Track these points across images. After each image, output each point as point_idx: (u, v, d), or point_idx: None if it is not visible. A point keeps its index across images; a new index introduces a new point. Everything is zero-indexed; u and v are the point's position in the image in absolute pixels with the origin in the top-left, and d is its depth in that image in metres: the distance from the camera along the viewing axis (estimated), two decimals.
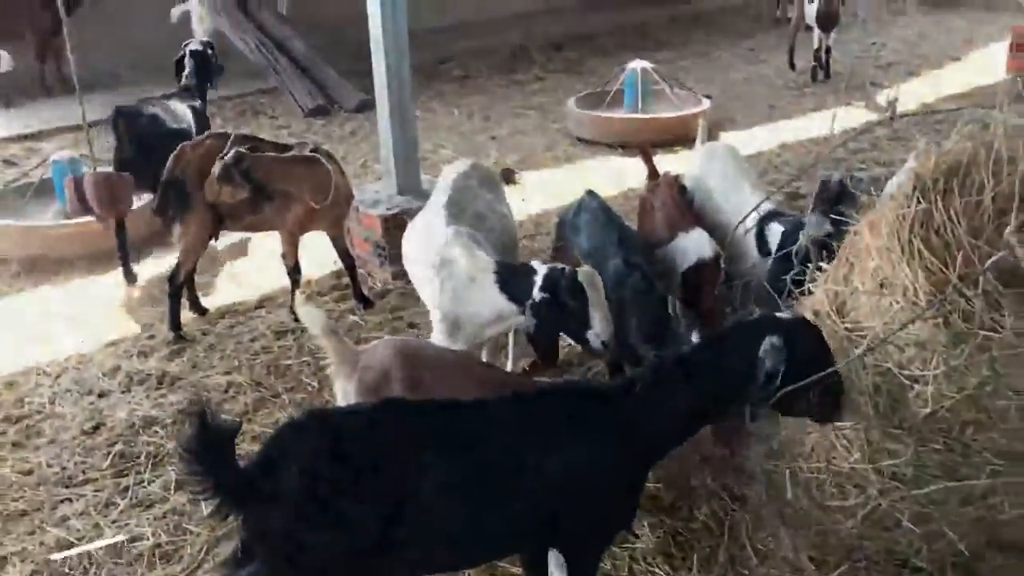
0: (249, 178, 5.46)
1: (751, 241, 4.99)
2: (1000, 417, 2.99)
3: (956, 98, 11.40)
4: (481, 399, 2.92)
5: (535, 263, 4.12)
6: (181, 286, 5.88)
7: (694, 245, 4.98)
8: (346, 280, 6.36)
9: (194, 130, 6.83)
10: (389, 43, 6.38)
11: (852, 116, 10.45)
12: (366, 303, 6.21)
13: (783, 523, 3.64)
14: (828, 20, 11.95)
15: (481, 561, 3.17)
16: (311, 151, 5.91)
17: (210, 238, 5.84)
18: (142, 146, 6.53)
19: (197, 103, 7.21)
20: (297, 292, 5.97)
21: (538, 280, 3.93)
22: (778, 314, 2.99)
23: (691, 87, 11.04)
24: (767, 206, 5.13)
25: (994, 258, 2.96)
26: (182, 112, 6.99)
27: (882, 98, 11.18)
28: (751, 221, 5.00)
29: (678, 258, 5.04)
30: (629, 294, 4.33)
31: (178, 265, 5.82)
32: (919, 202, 3.21)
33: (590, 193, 5.20)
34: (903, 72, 12.93)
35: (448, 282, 4.29)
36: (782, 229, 4.88)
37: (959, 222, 3.13)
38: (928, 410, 3.06)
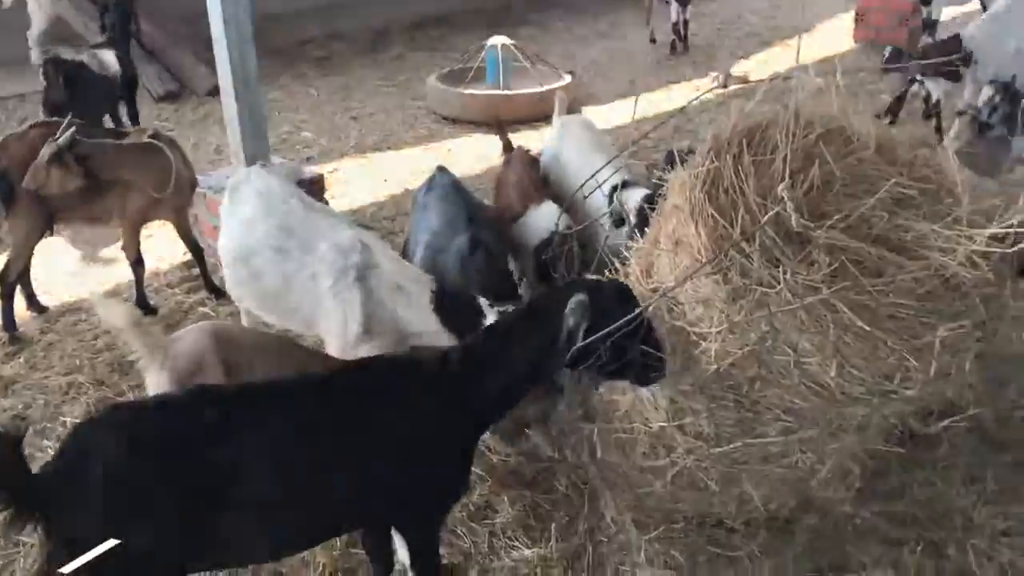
0: (82, 164, 5.13)
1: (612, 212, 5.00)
2: (781, 373, 3.02)
3: (805, 68, 11.75)
4: (296, 378, 2.82)
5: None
6: (13, 284, 5.51)
7: (545, 219, 4.97)
8: (196, 271, 6.09)
9: (120, 76, 8.06)
10: (231, 24, 6.09)
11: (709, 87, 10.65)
12: (218, 293, 5.95)
13: (606, 485, 3.66)
14: None
15: (314, 543, 3.07)
16: (150, 137, 5.60)
17: (42, 233, 5.47)
18: (71, 91, 7.29)
19: (122, 51, 8.20)
20: (95, 291, 5.61)
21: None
22: (588, 279, 2.97)
23: (552, 63, 11.05)
24: (621, 176, 5.14)
25: (770, 213, 3.00)
26: (109, 60, 7.99)
27: (736, 69, 11.50)
28: (605, 191, 5.01)
29: (530, 232, 5.03)
30: (473, 271, 4.26)
31: (8, 262, 5.44)
32: (712, 162, 3.24)
33: (441, 169, 5.12)
34: (757, 43, 13.29)
35: (368, 291, 4.08)
36: (638, 198, 4.91)
37: (747, 181, 3.17)
38: (714, 367, 3.09)
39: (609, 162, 4.89)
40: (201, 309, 5.87)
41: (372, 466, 2.76)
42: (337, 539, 3.81)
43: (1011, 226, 3.15)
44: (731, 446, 3.19)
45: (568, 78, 10.44)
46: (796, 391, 3.02)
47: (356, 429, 2.75)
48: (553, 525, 3.95)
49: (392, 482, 2.81)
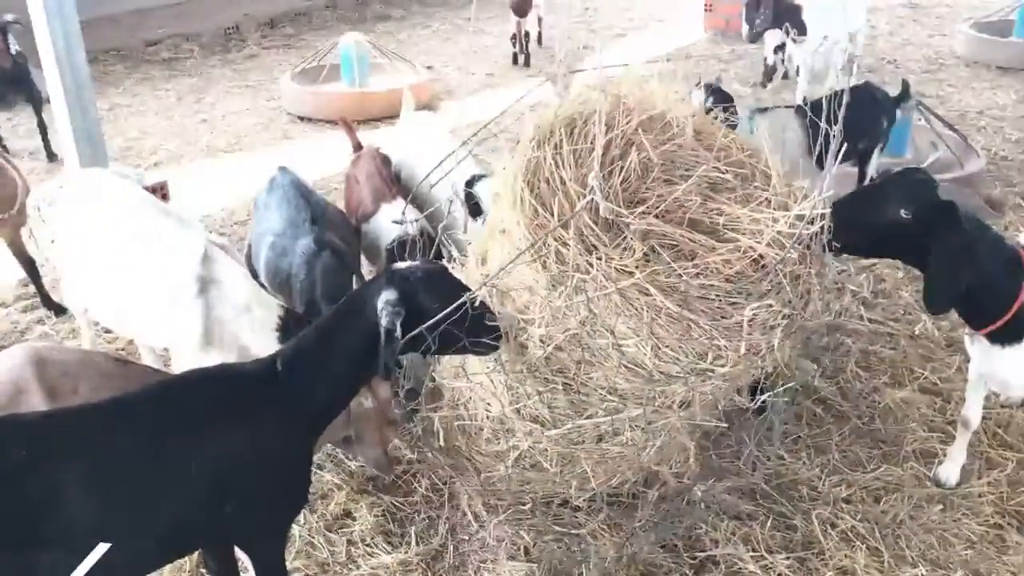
0: None
1: (459, 205, 4.95)
2: (602, 355, 3.08)
3: (663, 57, 12.04)
4: (118, 398, 2.67)
5: None
6: None
7: (399, 216, 4.88)
8: (32, 288, 5.75)
9: None
10: (56, 25, 5.77)
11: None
12: (58, 310, 5.64)
13: (454, 471, 3.67)
14: (520, 6, 11.38)
15: (152, 568, 2.93)
16: None
17: None
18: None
19: None
20: None
21: None
22: (397, 266, 2.92)
23: (410, 59, 10.95)
24: (474, 170, 5.11)
25: (583, 201, 3.05)
26: None
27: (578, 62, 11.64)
28: (457, 186, 4.96)
29: (382, 230, 4.94)
30: (319, 274, 4.16)
31: None
32: (534, 151, 3.28)
33: (282, 169, 4.96)
34: (612, 35, 13.53)
35: (209, 306, 3.89)
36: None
37: (566, 170, 3.21)
38: (541, 352, 3.12)
39: (452, 153, 4.83)
40: (40, 328, 5.55)
41: (203, 482, 2.63)
42: (187, 561, 3.67)
43: (814, 206, 3.31)
44: (565, 428, 3.22)
45: (425, 74, 10.37)
46: (617, 372, 3.08)
47: (182, 445, 2.61)
48: (413, 528, 3.90)
49: (225, 497, 2.69)
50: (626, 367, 3.04)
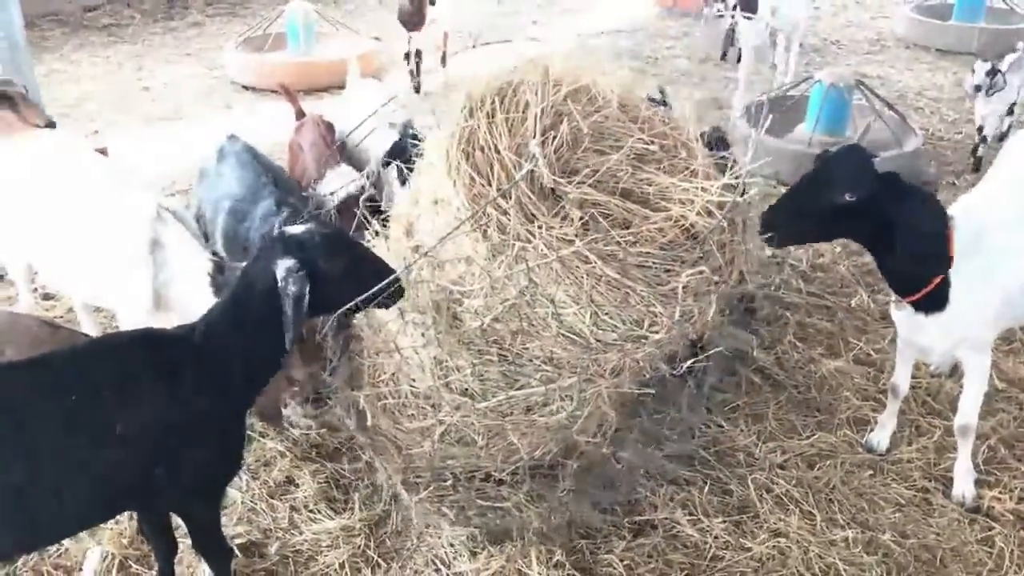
0: None
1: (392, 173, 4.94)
2: (541, 325, 3.10)
3: (608, 33, 12.09)
4: (38, 358, 2.64)
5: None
6: None
7: (342, 182, 4.86)
8: None
9: None
10: None
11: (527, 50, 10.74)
12: None
13: (374, 451, 3.67)
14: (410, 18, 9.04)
15: (75, 531, 2.92)
16: None
17: None
18: None
19: None
20: None
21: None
22: (288, 230, 2.88)
23: (357, 29, 10.83)
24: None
25: (524, 170, 3.07)
26: None
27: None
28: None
29: (327, 197, 4.90)
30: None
31: None
32: (467, 120, 3.28)
33: (231, 137, 4.91)
34: (560, 10, 13.52)
35: (158, 266, 3.85)
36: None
37: (501, 139, 3.22)
38: (478, 323, 3.13)
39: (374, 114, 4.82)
40: None
41: (128, 446, 2.61)
42: (127, 527, 3.64)
43: (738, 177, 3.43)
44: (496, 400, 3.23)
45: (372, 44, 10.27)
46: (555, 341, 3.10)
47: (104, 405, 2.59)
48: (356, 495, 3.91)
49: (152, 460, 2.68)
50: (564, 335, 3.07)
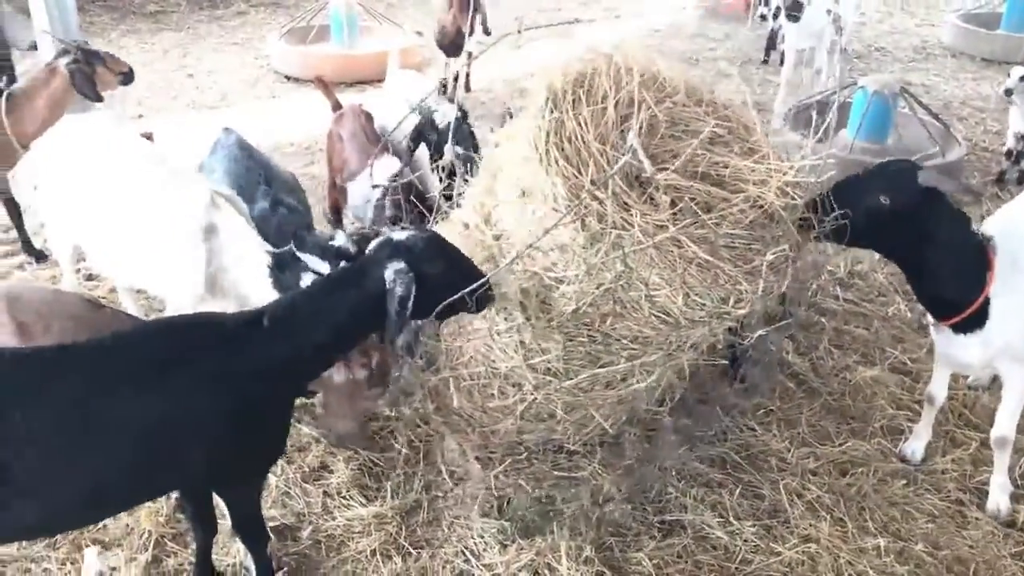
0: None
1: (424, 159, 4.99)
2: (633, 307, 3.21)
3: (653, 33, 12.08)
4: (99, 340, 2.69)
5: (316, 264, 3.76)
6: None
7: (387, 173, 4.90)
8: (13, 234, 5.73)
9: None
10: None
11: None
12: (39, 256, 5.62)
13: (450, 431, 3.73)
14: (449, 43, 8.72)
15: (127, 507, 2.99)
16: None
17: None
18: None
19: None
20: None
21: None
22: (395, 235, 2.98)
23: (400, 24, 10.89)
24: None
25: (620, 162, 3.11)
26: None
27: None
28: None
29: (370, 188, 4.94)
30: (277, 234, 4.10)
31: None
32: (552, 112, 3.31)
33: (226, 130, 4.86)
34: (602, 9, 13.51)
35: (212, 252, 3.90)
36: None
37: (588, 129, 3.28)
38: (573, 307, 3.22)
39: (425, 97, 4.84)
40: (20, 274, 5.53)
41: (180, 428, 2.66)
42: (163, 506, 3.71)
43: (817, 159, 3.53)
44: (580, 377, 3.36)
45: (414, 39, 10.32)
46: (646, 322, 3.22)
47: (160, 390, 2.63)
48: (389, 483, 3.95)
49: (203, 443, 2.73)
50: (656, 316, 3.19)
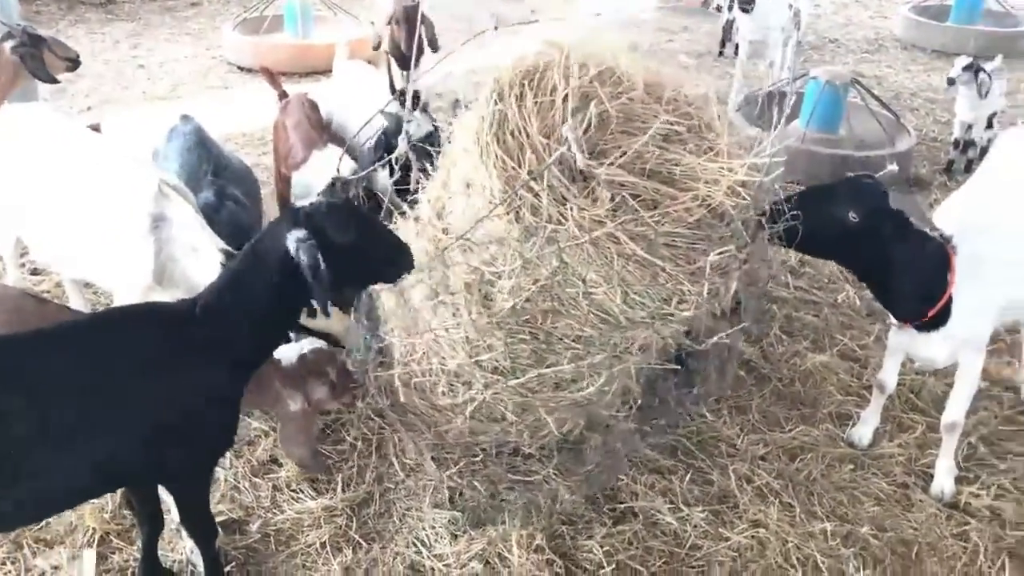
0: None
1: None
2: (571, 304, 3.17)
3: (611, 26, 12.07)
4: (42, 330, 2.64)
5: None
6: None
7: (330, 163, 4.85)
8: None
9: None
10: None
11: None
12: None
13: (405, 428, 3.71)
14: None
15: (69, 506, 2.94)
16: None
17: None
18: None
19: None
20: None
21: None
22: (298, 204, 2.92)
23: (356, 14, 10.80)
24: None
25: (556, 154, 3.09)
26: None
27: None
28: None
29: (315, 177, 4.89)
30: (225, 227, 4.07)
31: None
32: (496, 104, 3.29)
33: (184, 118, 4.78)
34: (560, 1, 13.49)
35: (160, 243, 3.80)
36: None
37: (531, 122, 3.24)
38: (511, 303, 3.18)
39: (386, 105, 4.81)
40: None
41: (122, 421, 2.62)
42: (108, 502, 3.66)
43: (767, 157, 3.40)
44: (526, 377, 3.31)
45: (369, 29, 10.23)
46: (586, 320, 3.17)
47: (102, 384, 2.60)
48: (340, 476, 3.93)
49: (145, 436, 2.69)
50: (594, 314, 3.14)
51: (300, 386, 3.58)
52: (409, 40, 6.46)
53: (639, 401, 3.82)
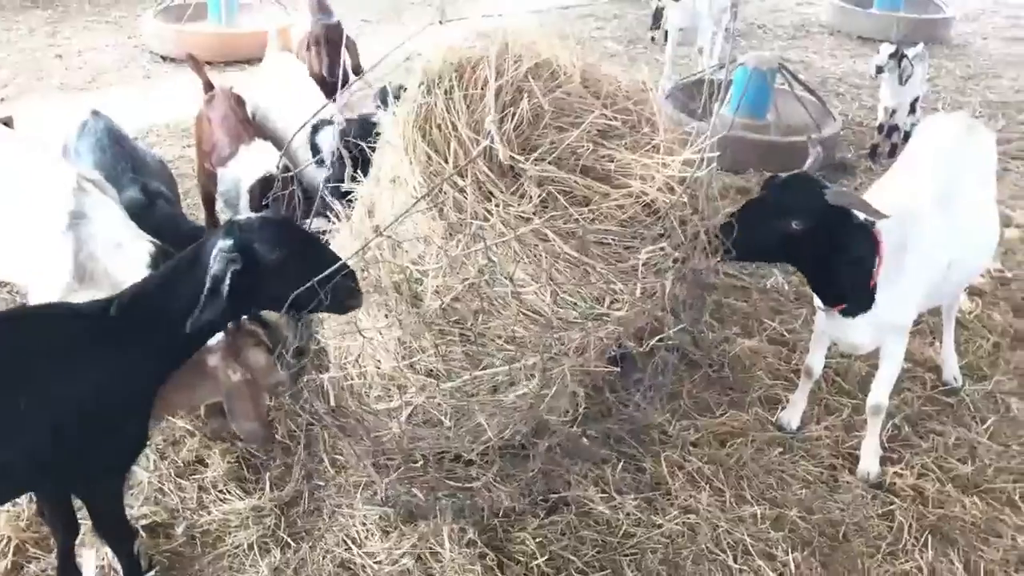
0: None
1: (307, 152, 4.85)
2: (501, 304, 3.10)
3: (540, 14, 12.03)
4: None
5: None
6: None
7: (258, 158, 4.75)
8: None
9: None
10: None
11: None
12: None
13: (342, 433, 3.63)
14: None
15: None
16: None
17: None
18: None
19: None
20: None
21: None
22: (237, 217, 2.86)
23: (282, 2, 10.58)
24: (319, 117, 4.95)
25: (479, 148, 3.03)
26: None
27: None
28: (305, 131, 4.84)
29: (243, 172, 4.79)
30: (157, 225, 3.95)
31: None
32: (424, 97, 3.22)
33: (95, 113, 4.58)
34: None
35: (80, 241, 3.64)
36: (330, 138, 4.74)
37: (460, 116, 3.17)
38: (438, 303, 3.11)
39: (324, 106, 4.71)
40: None
41: (29, 423, 2.53)
42: (24, 509, 3.53)
43: (701, 151, 3.36)
44: (461, 380, 3.23)
45: (295, 17, 10.04)
46: (516, 320, 3.09)
47: (12, 383, 2.51)
48: (268, 475, 3.85)
49: (54, 439, 2.60)
50: (525, 315, 3.06)
51: (235, 355, 3.47)
52: (332, 65, 5.96)
53: (582, 406, 3.80)
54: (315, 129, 4.78)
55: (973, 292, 5.43)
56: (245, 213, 4.77)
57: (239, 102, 5.21)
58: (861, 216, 3.55)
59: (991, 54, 11.35)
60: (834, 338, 4.08)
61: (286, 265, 2.76)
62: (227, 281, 2.63)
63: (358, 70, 6.34)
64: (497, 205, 3.00)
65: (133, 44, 9.72)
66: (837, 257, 3.58)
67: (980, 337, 5.07)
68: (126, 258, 3.67)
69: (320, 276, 2.80)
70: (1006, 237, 6.25)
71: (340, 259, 2.94)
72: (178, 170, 6.49)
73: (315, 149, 4.79)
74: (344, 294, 2.92)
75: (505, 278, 3.01)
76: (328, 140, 4.67)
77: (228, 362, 3.39)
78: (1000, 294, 5.54)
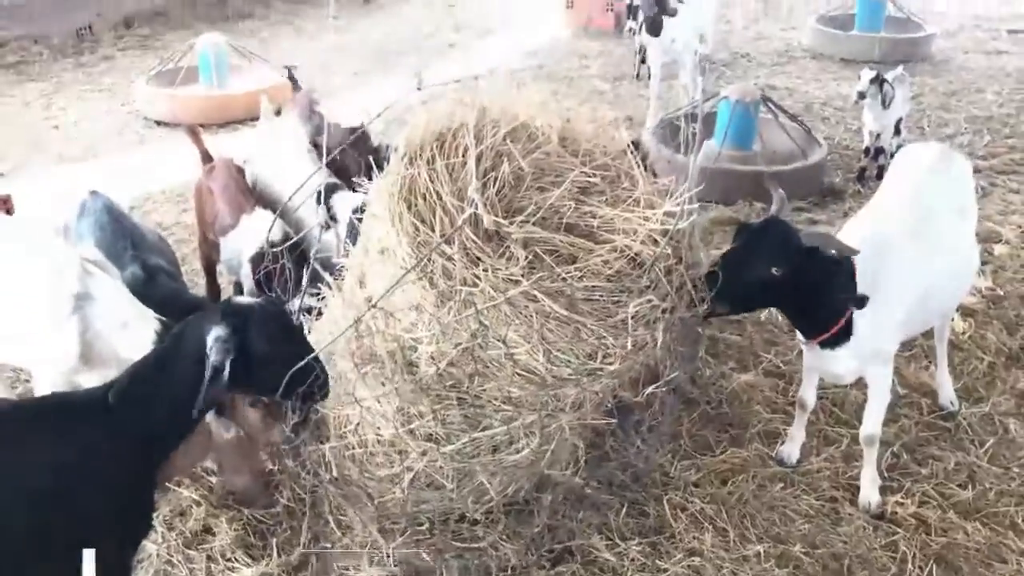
0: None
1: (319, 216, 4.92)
2: (495, 366, 3.16)
3: (528, 54, 12.22)
4: None
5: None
6: None
7: (259, 228, 4.81)
8: None
9: None
10: None
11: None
12: None
13: (346, 501, 3.67)
14: None
15: None
16: None
17: None
18: None
19: None
20: None
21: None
22: (234, 299, 2.93)
23: (272, 59, 10.74)
24: (326, 180, 5.06)
25: (463, 217, 3.11)
26: None
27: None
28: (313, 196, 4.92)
29: (245, 243, 4.86)
30: (160, 300, 4.02)
31: None
32: (407, 168, 3.30)
33: (93, 193, 4.66)
34: (475, 33, 13.63)
35: (86, 322, 3.71)
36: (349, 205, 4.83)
37: (443, 185, 3.25)
38: (433, 369, 3.17)
39: (319, 168, 4.81)
40: None
41: (35, 512, 2.58)
42: None
43: (680, 203, 3.42)
44: (460, 442, 3.29)
45: (284, 75, 10.19)
46: (512, 381, 3.15)
47: (14, 475, 2.56)
48: (274, 540, 3.89)
49: (59, 526, 2.64)
50: (519, 375, 3.12)
51: (227, 413, 3.53)
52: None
53: (584, 459, 3.84)
54: (328, 191, 4.86)
55: (966, 312, 5.48)
56: (247, 281, 4.87)
57: (240, 172, 5.31)
58: (844, 253, 3.62)
59: (973, 69, 11.48)
60: (818, 370, 4.14)
61: (273, 355, 2.84)
62: (227, 370, 2.70)
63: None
64: (485, 270, 3.07)
65: (127, 111, 9.88)
66: (817, 294, 3.64)
67: (975, 358, 5.11)
68: (132, 337, 3.74)
69: (295, 368, 2.90)
70: (996, 253, 6.32)
71: (312, 350, 3.02)
72: (175, 236, 6.63)
73: (329, 210, 4.84)
74: (314, 391, 3.01)
75: (498, 340, 3.07)
76: (343, 204, 4.75)
77: (220, 420, 3.46)
78: (993, 313, 5.58)
